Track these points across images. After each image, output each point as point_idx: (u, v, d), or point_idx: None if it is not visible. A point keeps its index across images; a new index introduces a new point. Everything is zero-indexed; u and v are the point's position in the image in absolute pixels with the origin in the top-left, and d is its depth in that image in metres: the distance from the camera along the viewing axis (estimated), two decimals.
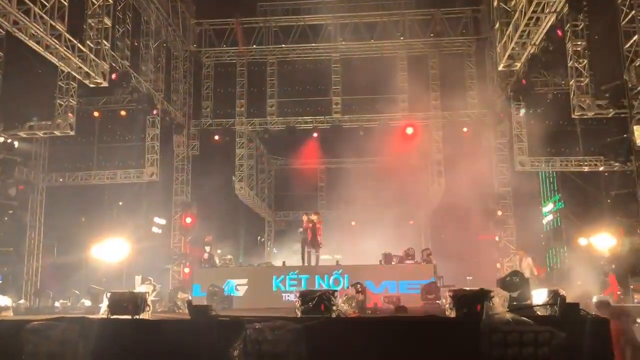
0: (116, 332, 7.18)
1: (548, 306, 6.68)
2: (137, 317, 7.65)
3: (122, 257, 21.91)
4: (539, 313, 6.81)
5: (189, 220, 23.94)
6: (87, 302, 15.83)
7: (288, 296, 15.37)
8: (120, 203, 24.20)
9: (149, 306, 8.14)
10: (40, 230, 23.01)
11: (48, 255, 23.67)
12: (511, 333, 5.62)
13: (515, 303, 8.94)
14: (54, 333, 6.99)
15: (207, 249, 18.14)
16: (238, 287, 15.59)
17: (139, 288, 15.95)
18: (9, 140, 19.20)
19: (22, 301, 20.38)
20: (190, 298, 14.44)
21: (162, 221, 25.22)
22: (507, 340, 5.60)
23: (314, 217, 17.07)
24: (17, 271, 22.47)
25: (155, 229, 25.36)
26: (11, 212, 21.55)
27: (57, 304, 18.12)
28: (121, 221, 24.85)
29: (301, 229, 17.38)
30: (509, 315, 5.98)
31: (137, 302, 7.83)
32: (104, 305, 8.07)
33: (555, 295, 6.63)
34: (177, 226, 24.27)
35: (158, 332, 7.17)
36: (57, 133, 19.72)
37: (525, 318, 5.90)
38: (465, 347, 5.95)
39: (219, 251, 20.06)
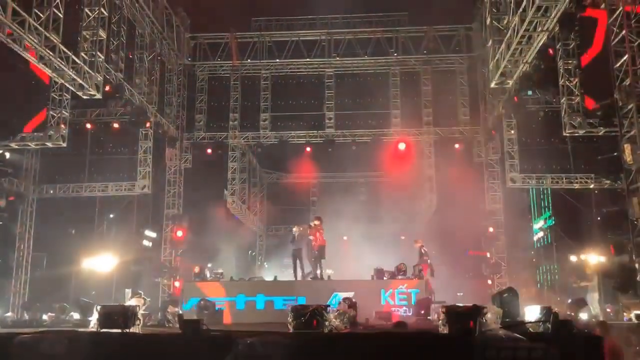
0: (106, 345, 7.10)
1: (541, 323, 6.69)
2: (128, 330, 7.58)
3: (111, 270, 21.75)
4: (531, 330, 6.82)
5: (180, 233, 23.77)
6: (76, 315, 15.66)
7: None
8: (112, 215, 24.05)
9: (139, 320, 8.08)
10: (30, 242, 22.82)
11: (37, 267, 23.43)
12: (504, 349, 5.60)
13: (507, 319, 8.95)
14: (43, 347, 6.90)
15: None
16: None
17: (129, 301, 15.82)
18: (0, 151, 19.10)
19: (9, 314, 20.17)
20: (180, 312, 14.33)
21: (153, 234, 25.08)
22: (500, 357, 5.58)
23: (316, 222, 16.49)
24: (5, 283, 22.20)
25: (146, 242, 25.19)
26: (0, 223, 21.33)
27: (45, 316, 17.90)
28: (112, 234, 24.68)
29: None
30: (502, 332, 5.98)
31: (127, 316, 7.76)
32: (94, 319, 8.00)
33: (548, 312, 6.64)
34: (168, 239, 24.16)
35: (148, 346, 7.10)
36: (49, 144, 19.61)
37: (518, 335, 5.90)
38: None
39: (209, 265, 19.92)
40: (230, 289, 16.12)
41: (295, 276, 16.56)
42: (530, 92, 20.53)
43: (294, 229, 17.15)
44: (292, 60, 25.17)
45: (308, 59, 25.04)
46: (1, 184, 20.16)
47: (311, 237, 16.38)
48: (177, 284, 22.81)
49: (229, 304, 15.41)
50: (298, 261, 16.49)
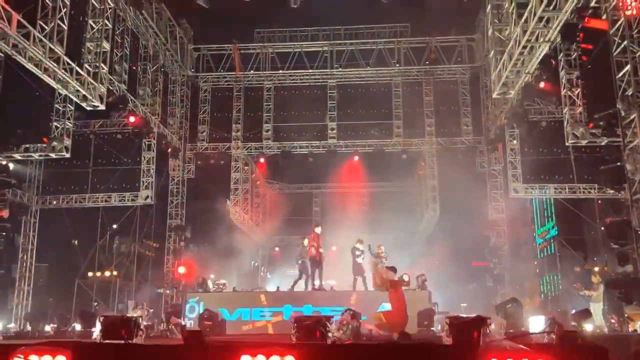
0: (109, 357, 7.07)
1: (545, 334, 6.64)
2: (130, 341, 7.55)
3: (113, 281, 21.74)
4: (536, 341, 6.77)
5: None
6: (78, 326, 15.64)
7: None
8: (114, 226, 24.07)
9: (142, 331, 8.04)
10: (33, 253, 22.80)
11: (39, 278, 23.44)
12: None
13: (511, 330, 8.91)
14: (45, 358, 6.87)
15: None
16: None
17: (132, 312, 15.78)
18: (4, 162, 19.17)
19: (12, 325, 20.15)
20: (183, 323, 14.29)
21: (156, 245, 25.10)
22: None
23: (319, 230, 16.59)
24: (8, 294, 22.19)
25: (148, 253, 25.21)
26: (4, 234, 21.39)
27: (47, 327, 17.86)
28: (114, 244, 24.71)
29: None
30: (506, 343, 5.94)
31: (130, 327, 7.73)
32: (97, 330, 7.98)
33: (552, 323, 6.60)
34: (171, 250, 24.14)
35: (151, 357, 7.07)
36: (52, 155, 19.68)
37: (522, 346, 5.85)
38: None
39: (212, 276, 19.90)
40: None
41: (294, 287, 16.57)
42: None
43: (306, 242, 17.11)
44: (294, 71, 25.30)
45: (310, 70, 25.16)
46: (4, 195, 20.20)
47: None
48: (181, 269, 22.72)
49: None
50: (303, 274, 16.50)
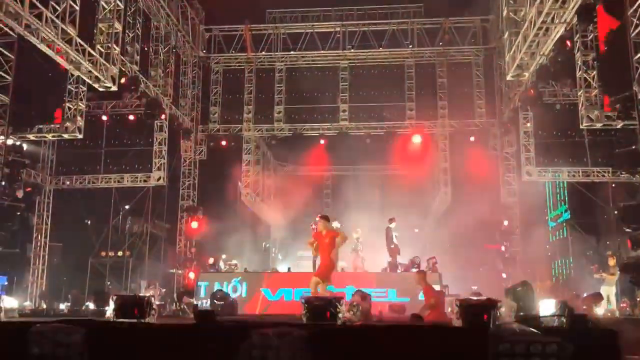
0: (121, 335, 7.17)
1: (555, 317, 6.63)
2: (143, 320, 7.65)
3: (126, 260, 21.96)
4: (546, 324, 6.77)
5: (195, 224, 23.79)
6: (92, 305, 15.89)
7: None
8: (127, 207, 24.27)
9: (154, 310, 8.15)
10: (47, 232, 23.11)
11: (54, 258, 23.77)
12: (518, 344, 5.56)
13: (521, 313, 8.90)
14: (60, 336, 6.98)
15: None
16: None
17: (144, 292, 15.99)
18: (18, 143, 19.33)
19: (27, 303, 20.52)
20: (195, 302, 14.45)
21: (168, 225, 25.29)
22: (514, 351, 5.54)
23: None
24: (23, 273, 22.54)
25: (160, 234, 25.42)
26: (18, 213, 21.64)
27: (62, 306, 18.18)
28: (127, 225, 24.94)
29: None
30: (516, 326, 5.94)
31: (142, 306, 7.83)
32: (110, 309, 8.09)
33: (563, 307, 6.59)
34: (183, 230, 24.32)
35: (163, 336, 7.16)
36: (65, 136, 19.85)
37: (532, 329, 5.85)
38: (471, 357, 5.91)
39: (223, 256, 20.04)
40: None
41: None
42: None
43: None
44: (306, 52, 25.09)
45: (322, 51, 24.96)
46: (19, 175, 20.40)
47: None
48: (191, 275, 22.91)
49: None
50: None
